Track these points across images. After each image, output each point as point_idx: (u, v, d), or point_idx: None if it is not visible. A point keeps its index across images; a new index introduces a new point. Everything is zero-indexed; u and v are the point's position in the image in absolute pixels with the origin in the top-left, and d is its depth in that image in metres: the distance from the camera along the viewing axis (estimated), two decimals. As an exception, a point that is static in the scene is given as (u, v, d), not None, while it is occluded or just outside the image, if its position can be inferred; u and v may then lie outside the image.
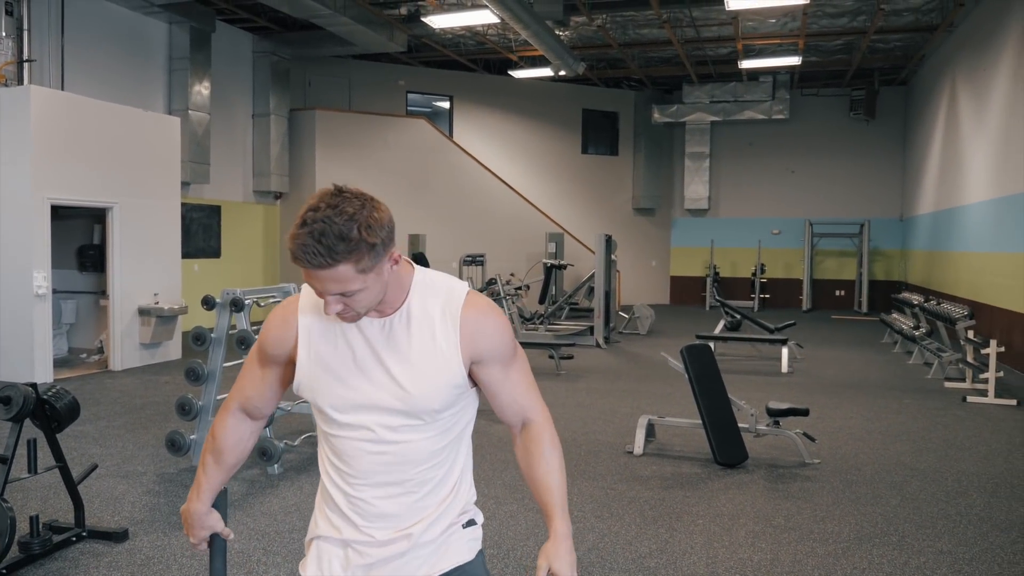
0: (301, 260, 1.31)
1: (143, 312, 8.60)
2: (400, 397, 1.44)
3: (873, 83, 16.14)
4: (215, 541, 1.64)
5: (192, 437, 4.84)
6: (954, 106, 12.17)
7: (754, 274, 16.85)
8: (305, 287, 1.49)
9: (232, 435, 1.62)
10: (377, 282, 1.36)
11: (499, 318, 1.50)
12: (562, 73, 13.55)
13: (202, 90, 11.29)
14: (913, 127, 15.80)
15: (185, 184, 10.66)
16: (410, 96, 15.76)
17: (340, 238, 1.29)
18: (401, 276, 1.45)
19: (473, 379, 1.52)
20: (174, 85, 11.14)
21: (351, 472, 1.49)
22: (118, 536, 3.64)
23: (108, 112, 8.42)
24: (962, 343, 8.03)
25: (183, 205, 9.74)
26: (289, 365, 1.54)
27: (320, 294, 1.36)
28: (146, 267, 8.75)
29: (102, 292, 8.74)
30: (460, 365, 1.45)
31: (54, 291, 7.93)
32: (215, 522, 1.63)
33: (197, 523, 1.62)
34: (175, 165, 9.34)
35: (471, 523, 1.58)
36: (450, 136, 15.26)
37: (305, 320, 1.50)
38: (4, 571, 3.18)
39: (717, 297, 13.61)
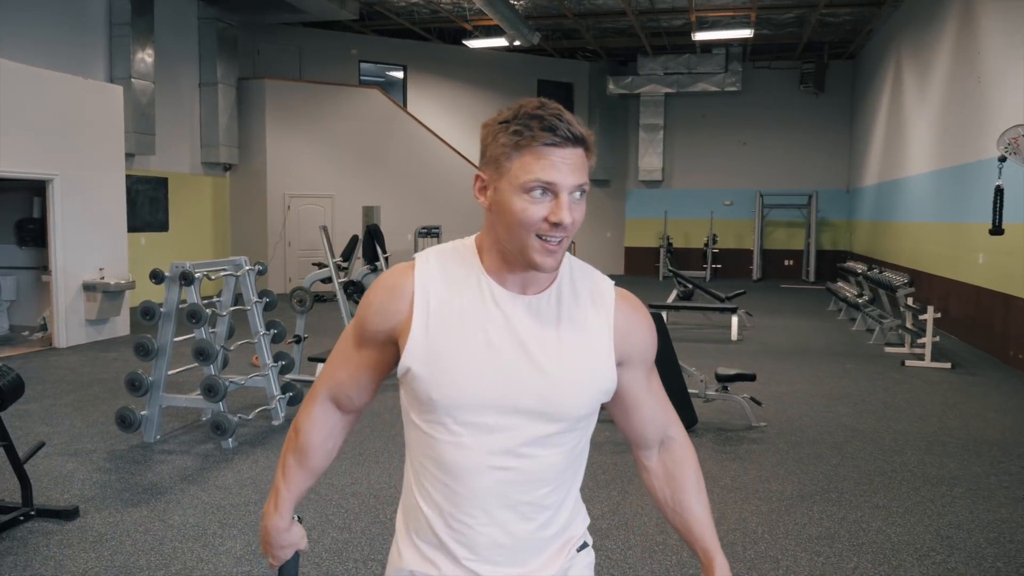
0: (556, 131, 1.09)
1: (88, 287, 8.38)
2: (545, 395, 1.16)
3: (823, 57, 16.42)
4: (291, 558, 1.38)
5: (143, 413, 4.78)
6: (899, 80, 12.47)
7: (706, 244, 17.14)
8: (421, 257, 1.23)
9: (319, 430, 1.33)
10: (585, 205, 1.16)
11: (648, 314, 1.30)
12: (517, 43, 13.47)
13: (145, 57, 10.92)
14: (860, 100, 16.16)
15: (129, 155, 10.36)
16: (363, 66, 15.49)
17: (581, 122, 1.14)
18: None
19: None
20: (115, 52, 10.75)
21: (461, 491, 1.18)
22: (68, 514, 3.60)
23: (47, 80, 8.11)
24: (902, 310, 8.33)
25: (128, 177, 9.47)
26: (393, 346, 1.22)
27: (555, 189, 1.10)
28: (90, 241, 8.51)
29: (44, 267, 8.49)
30: (612, 364, 1.22)
31: (-7, 266, 7.68)
32: (298, 538, 1.38)
33: (277, 541, 1.36)
34: (118, 136, 9.06)
35: (584, 546, 1.32)
36: (404, 107, 15.09)
37: (424, 286, 1.19)
38: (-50, 550, 3.13)
39: (670, 267, 13.82)
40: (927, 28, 10.75)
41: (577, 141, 1.11)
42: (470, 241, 1.24)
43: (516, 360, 1.15)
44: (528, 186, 1.10)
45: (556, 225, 1.10)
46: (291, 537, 1.36)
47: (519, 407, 1.16)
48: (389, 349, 1.23)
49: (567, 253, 1.21)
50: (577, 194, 1.12)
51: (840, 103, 16.99)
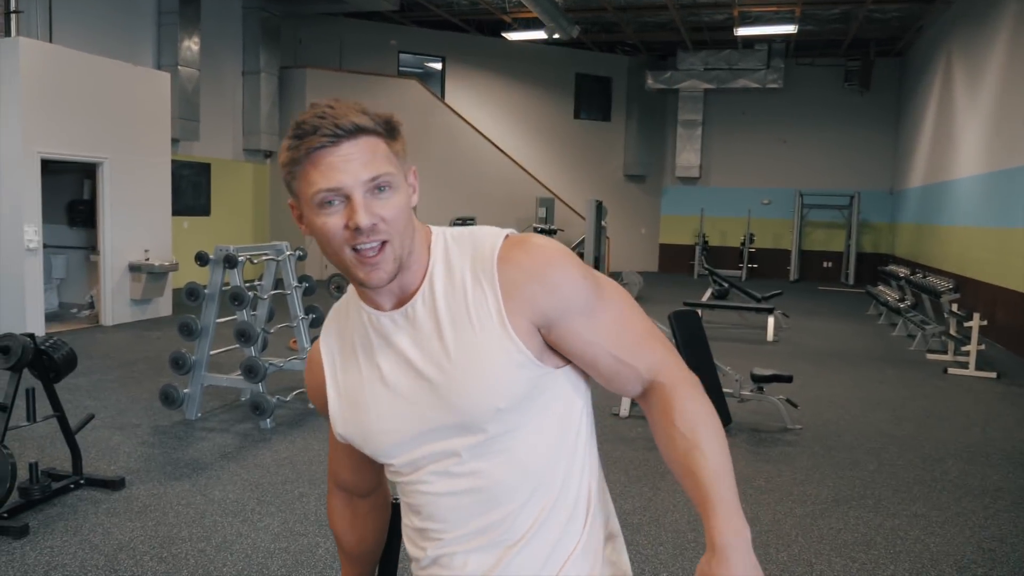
0: (318, 131, 0.96)
1: (134, 268, 8.59)
2: (447, 407, 1.03)
3: (869, 54, 16.09)
4: None
5: (186, 391, 4.90)
6: (949, 79, 12.18)
7: (743, 243, 16.95)
8: (326, 321, 1.18)
9: (338, 522, 1.29)
10: (405, 195, 1.02)
11: (554, 257, 1.03)
12: (556, 36, 13.43)
13: (191, 45, 11.12)
14: (907, 100, 15.81)
15: (175, 141, 10.56)
16: (402, 56, 15.58)
17: (361, 110, 1.00)
18: (419, 235, 1.07)
19: (557, 351, 1.07)
20: (163, 39, 10.96)
21: (434, 528, 1.11)
22: (115, 484, 3.71)
23: (98, 66, 8.31)
24: (946, 316, 8.16)
25: (173, 162, 9.67)
26: None
27: (345, 192, 0.97)
28: (136, 223, 8.71)
29: (92, 248, 8.72)
30: (514, 338, 1.02)
31: (44, 246, 7.91)
32: None
33: None
34: (165, 121, 9.25)
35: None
36: (442, 98, 15.14)
37: (327, 345, 1.15)
38: (5, 515, 3.25)
39: (705, 265, 13.71)
40: (980, 26, 10.48)
41: (354, 132, 0.97)
42: None
43: (412, 386, 1.05)
44: (316, 199, 0.97)
45: (357, 231, 0.96)
46: None
47: (434, 431, 1.05)
48: None
49: (440, 228, 1.10)
50: (378, 189, 0.98)
51: (886, 102, 16.65)
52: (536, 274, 1.02)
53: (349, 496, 1.28)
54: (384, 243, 0.99)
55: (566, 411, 1.09)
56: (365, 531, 1.29)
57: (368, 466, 1.21)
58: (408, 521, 1.16)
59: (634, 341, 1.07)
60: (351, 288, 1.13)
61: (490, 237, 1.06)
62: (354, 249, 0.98)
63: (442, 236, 1.09)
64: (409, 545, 1.17)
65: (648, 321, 1.10)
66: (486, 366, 1.02)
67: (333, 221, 0.97)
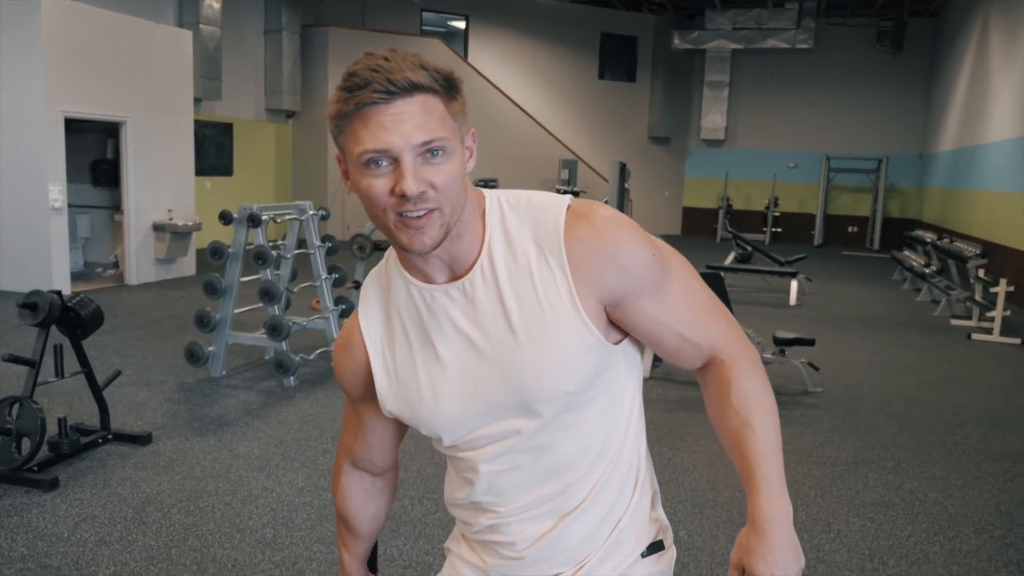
0: (370, 85, 0.89)
1: (157, 228, 8.67)
2: (514, 389, 1.00)
3: (903, 14, 15.62)
4: None
5: (210, 349, 4.97)
6: (984, 42, 11.81)
7: (767, 207, 16.74)
8: (363, 292, 1.11)
9: (352, 500, 1.27)
10: (460, 160, 0.94)
11: (622, 234, 0.98)
12: (581, -6, 13.15)
13: (213, 3, 11.05)
14: (940, 62, 15.38)
15: (197, 100, 10.56)
16: (425, 15, 15.38)
17: (419, 64, 0.92)
18: (472, 202, 1.00)
19: (619, 326, 1.04)
20: (185, -3, 10.91)
21: (491, 500, 1.10)
22: (142, 439, 3.79)
23: (120, 24, 8.30)
24: (972, 281, 8.04)
25: (195, 122, 9.68)
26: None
27: (393, 154, 0.90)
28: (160, 183, 8.77)
29: (116, 207, 8.80)
30: (585, 320, 0.98)
31: (69, 205, 7.99)
32: None
33: None
34: (187, 80, 9.25)
35: (654, 549, 1.13)
36: (465, 58, 14.97)
37: (368, 321, 1.09)
38: (35, 469, 3.34)
39: (729, 229, 13.57)
40: (1020, -16, 10.11)
41: (409, 88, 0.89)
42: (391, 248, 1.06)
43: (473, 366, 1.01)
44: (363, 158, 0.91)
45: (403, 198, 0.90)
46: None
47: (495, 411, 1.02)
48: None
49: (494, 192, 1.01)
50: (431, 153, 0.90)
51: (918, 65, 16.20)
52: (605, 253, 0.97)
53: (361, 474, 1.26)
54: (433, 210, 0.92)
55: (623, 384, 1.07)
56: (379, 508, 1.29)
57: (391, 445, 1.21)
58: (459, 494, 1.13)
59: (698, 318, 1.04)
60: (390, 257, 1.07)
61: (552, 207, 0.99)
62: (399, 214, 0.92)
63: (497, 203, 1.01)
64: (459, 513, 1.17)
65: (710, 293, 1.07)
66: (556, 349, 0.98)
67: (379, 183, 0.91)
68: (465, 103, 0.96)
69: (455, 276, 1.00)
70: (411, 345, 1.05)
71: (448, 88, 0.93)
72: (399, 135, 0.89)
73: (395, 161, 0.90)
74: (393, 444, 1.21)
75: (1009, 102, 10.23)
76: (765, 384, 1.05)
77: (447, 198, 0.92)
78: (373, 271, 1.11)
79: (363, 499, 1.27)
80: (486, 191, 1.03)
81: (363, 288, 1.12)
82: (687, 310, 1.03)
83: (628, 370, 1.08)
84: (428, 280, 1.02)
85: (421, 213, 0.91)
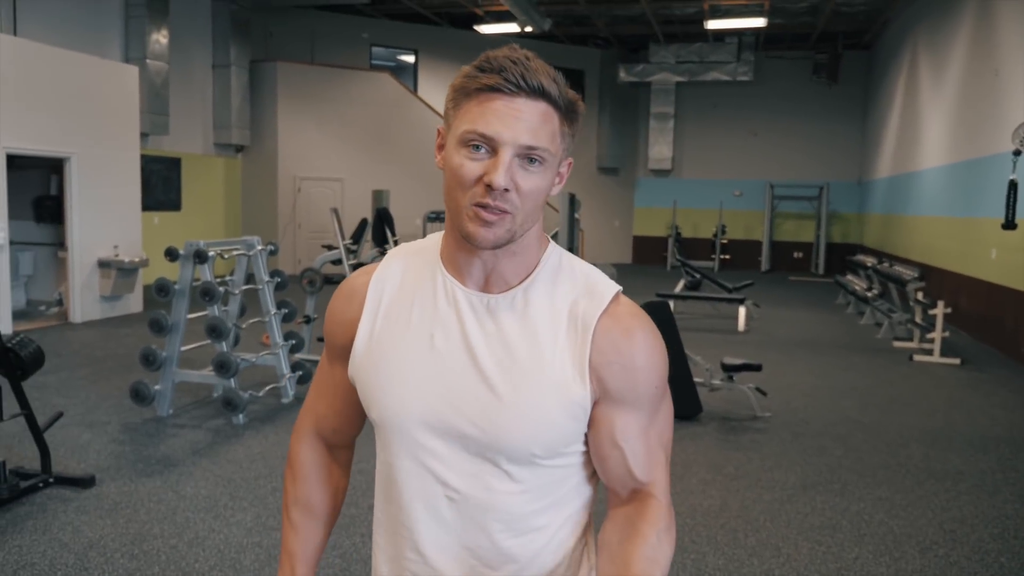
0: (503, 72, 0.91)
1: (103, 264, 8.47)
2: (491, 420, 0.96)
3: (837, 47, 16.30)
4: None
5: (156, 387, 4.86)
6: (914, 72, 12.38)
7: (715, 235, 17.12)
8: (389, 255, 1.08)
9: (315, 474, 1.17)
10: (550, 179, 0.95)
11: (653, 341, 1.00)
12: (528, 29, 13.42)
13: (160, 39, 10.96)
14: (874, 92, 16.05)
15: (144, 135, 10.41)
16: (374, 50, 15.48)
17: (554, 77, 0.94)
18: (539, 234, 1.01)
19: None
20: (131, 33, 10.79)
21: (406, 523, 1.04)
22: (85, 482, 3.68)
23: (64, 59, 8.17)
24: (911, 304, 8.33)
25: (142, 157, 9.53)
26: None
27: (495, 145, 0.91)
28: (105, 219, 8.59)
29: (60, 244, 8.58)
30: (587, 391, 0.97)
31: (11, 242, 7.77)
32: None
33: None
34: (134, 115, 9.12)
35: None
36: (414, 91, 15.08)
37: (378, 287, 1.05)
38: (-29, 516, 3.21)
39: (678, 257, 13.82)
40: (944, 19, 10.67)
41: (537, 93, 0.91)
42: (440, 234, 1.06)
43: (461, 370, 0.97)
44: (465, 137, 0.92)
45: (489, 188, 0.90)
46: None
47: (459, 430, 0.98)
48: None
49: (562, 251, 1.02)
50: (529, 160, 0.92)
51: (853, 94, 16.88)
52: (627, 354, 0.97)
53: (324, 446, 1.17)
54: (507, 212, 0.92)
55: (580, 459, 1.05)
56: (338, 487, 1.19)
57: (357, 417, 1.14)
58: (378, 499, 1.08)
59: (649, 452, 1.01)
60: (435, 242, 1.05)
61: (602, 286, 1.00)
62: (476, 204, 0.92)
63: (559, 253, 1.02)
64: (375, 522, 1.11)
65: (670, 433, 1.06)
66: (544, 405, 0.96)
67: (472, 166, 0.92)
68: (576, 135, 0.98)
69: (486, 289, 1.00)
70: (410, 324, 1.01)
71: (569, 111, 0.96)
72: (509, 129, 0.90)
73: (494, 152, 0.91)
74: (360, 416, 1.14)
75: (939, 130, 10.72)
76: (672, 545, 1.02)
77: (525, 207, 0.93)
78: (406, 246, 1.10)
79: (323, 475, 1.17)
80: (553, 243, 1.04)
81: (390, 254, 1.09)
82: (646, 441, 1.01)
83: (587, 462, 1.05)
84: (460, 280, 1.01)
85: (500, 210, 0.92)
